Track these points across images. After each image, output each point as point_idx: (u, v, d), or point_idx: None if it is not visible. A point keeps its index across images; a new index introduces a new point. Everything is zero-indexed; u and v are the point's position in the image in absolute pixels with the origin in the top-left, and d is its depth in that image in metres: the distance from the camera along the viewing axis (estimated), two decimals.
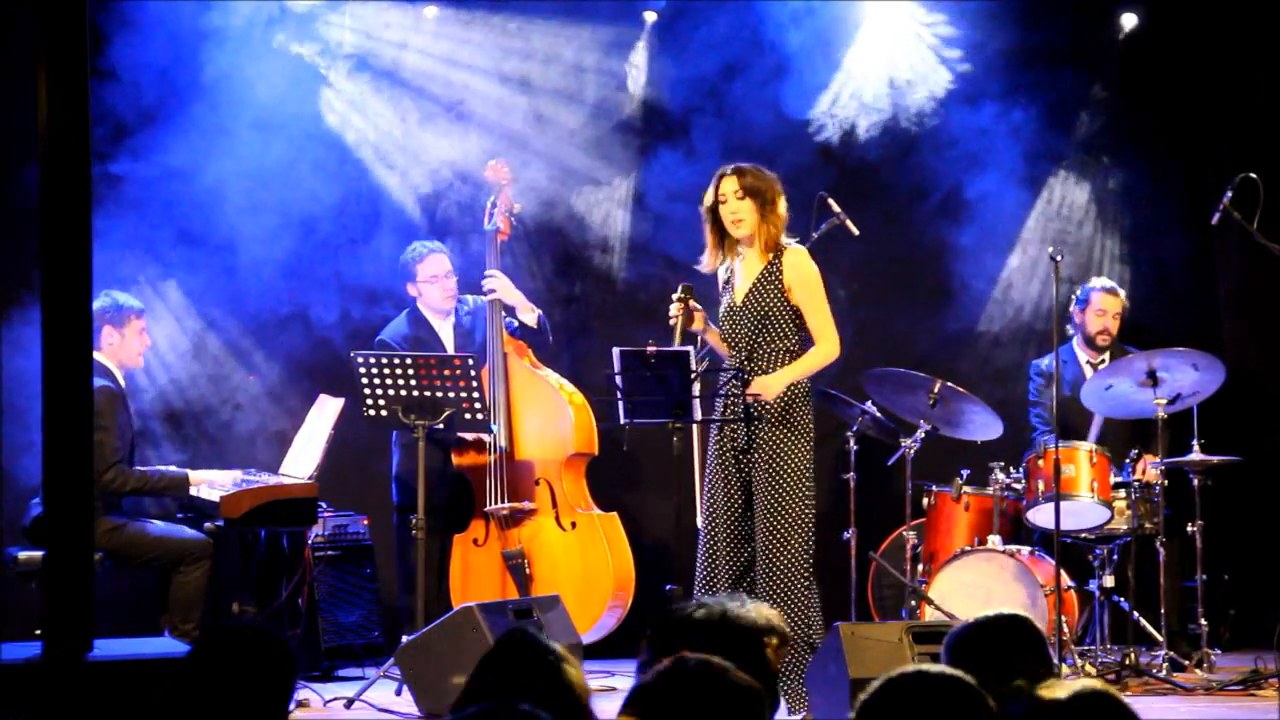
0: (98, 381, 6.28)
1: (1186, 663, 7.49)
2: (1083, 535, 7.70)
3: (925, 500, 7.94)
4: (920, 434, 7.76)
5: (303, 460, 7.60)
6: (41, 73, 4.81)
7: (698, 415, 6.84)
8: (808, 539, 6.38)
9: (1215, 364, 7.44)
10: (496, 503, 7.65)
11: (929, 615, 7.36)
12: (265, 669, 3.28)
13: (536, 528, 7.67)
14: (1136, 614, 7.72)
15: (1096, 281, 8.29)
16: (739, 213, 6.49)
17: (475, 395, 7.09)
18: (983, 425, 7.86)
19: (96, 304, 7.32)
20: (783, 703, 6.23)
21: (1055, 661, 6.21)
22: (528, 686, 3.07)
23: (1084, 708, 2.82)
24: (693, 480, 7.68)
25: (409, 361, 7.11)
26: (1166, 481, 7.59)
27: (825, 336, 6.47)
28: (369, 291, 8.35)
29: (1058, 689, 2.87)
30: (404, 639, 6.79)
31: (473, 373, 7.11)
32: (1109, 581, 7.67)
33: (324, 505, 7.81)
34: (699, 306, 6.57)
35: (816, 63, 8.72)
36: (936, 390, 7.69)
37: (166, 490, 7.27)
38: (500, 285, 7.76)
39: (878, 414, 7.88)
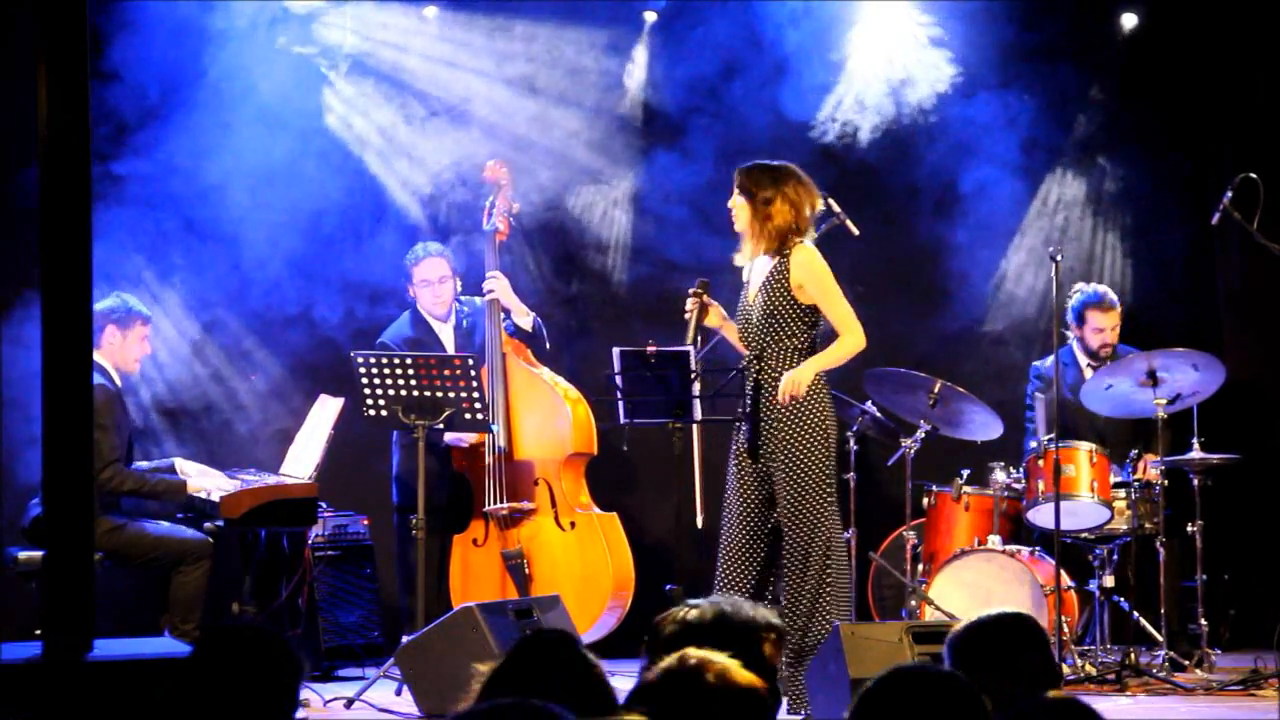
0: (95, 379, 6.27)
1: (1186, 663, 7.49)
2: (1083, 535, 7.70)
3: (925, 500, 7.94)
4: (920, 434, 7.76)
5: (303, 460, 7.60)
6: (41, 73, 4.81)
7: (698, 415, 6.84)
8: (831, 532, 6.32)
9: (1215, 364, 7.44)
10: (496, 503, 7.65)
11: (929, 615, 7.36)
12: (269, 670, 3.27)
13: (536, 528, 7.68)
14: (1136, 614, 7.72)
15: (1089, 295, 8.09)
16: (735, 210, 6.54)
17: (475, 395, 7.09)
18: (983, 425, 7.86)
19: (106, 303, 7.34)
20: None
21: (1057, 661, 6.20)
22: (557, 684, 3.07)
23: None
24: (693, 480, 7.67)
25: (409, 362, 7.11)
26: (1166, 481, 7.59)
27: (848, 328, 6.42)
28: (372, 292, 8.35)
29: None
30: (404, 639, 6.79)
31: (473, 373, 7.11)
32: (1109, 581, 7.66)
33: (324, 505, 7.81)
34: (714, 302, 6.56)
35: (816, 63, 8.72)
36: (936, 390, 7.69)
37: (163, 495, 7.26)
38: (500, 287, 7.77)
39: (878, 414, 7.88)
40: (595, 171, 8.83)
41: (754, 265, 6.55)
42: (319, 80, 8.48)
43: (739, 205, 6.51)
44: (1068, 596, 7.45)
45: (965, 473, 7.89)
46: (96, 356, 7.08)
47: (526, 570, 7.61)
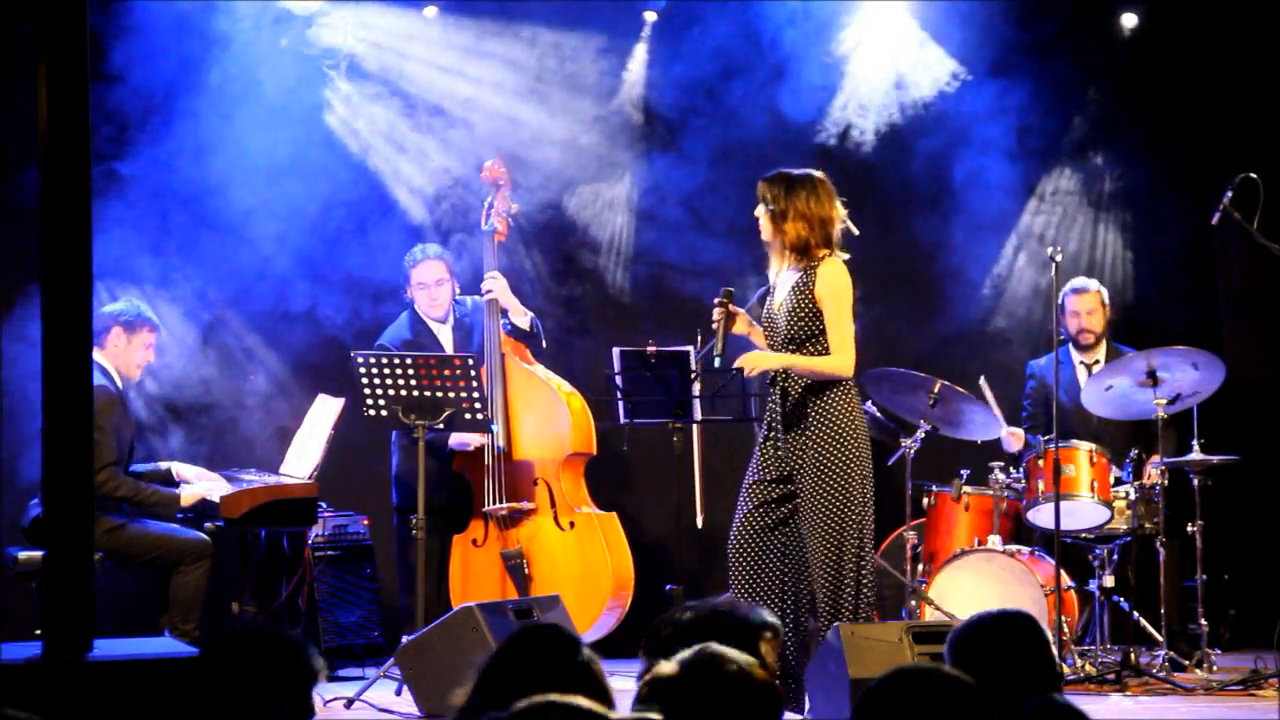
0: (96, 380, 6.28)
1: (1186, 663, 7.49)
2: (1083, 535, 7.70)
3: (925, 500, 7.94)
4: (920, 434, 7.76)
5: (303, 460, 7.61)
6: (41, 73, 4.81)
7: (698, 415, 6.85)
8: (859, 543, 6.19)
9: (1215, 364, 7.44)
10: (495, 503, 7.65)
11: (929, 615, 7.36)
12: (282, 673, 3.26)
13: (535, 528, 7.68)
14: (1136, 614, 7.72)
15: (1069, 284, 8.22)
16: (759, 219, 6.44)
17: (475, 395, 7.09)
18: (983, 425, 7.86)
19: (116, 306, 7.35)
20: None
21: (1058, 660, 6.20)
22: (551, 676, 3.07)
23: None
24: (693, 480, 7.69)
25: (409, 362, 7.11)
26: (1166, 481, 7.59)
27: (839, 349, 6.27)
28: (375, 291, 8.36)
29: None
30: (404, 639, 6.79)
31: (473, 373, 7.11)
32: (1109, 581, 7.67)
33: (324, 505, 7.81)
34: (740, 309, 6.49)
35: (814, 63, 8.72)
36: (936, 390, 7.69)
37: (155, 507, 7.20)
38: (498, 287, 7.77)
39: (878, 414, 7.89)
40: (594, 172, 8.83)
41: (781, 274, 6.43)
42: (321, 81, 8.49)
43: (761, 215, 6.43)
44: (1068, 596, 7.45)
45: (965, 473, 7.89)
46: (99, 357, 7.09)
47: (526, 570, 7.61)
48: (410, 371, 7.07)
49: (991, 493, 7.79)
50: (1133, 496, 7.59)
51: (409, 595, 7.45)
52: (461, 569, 7.71)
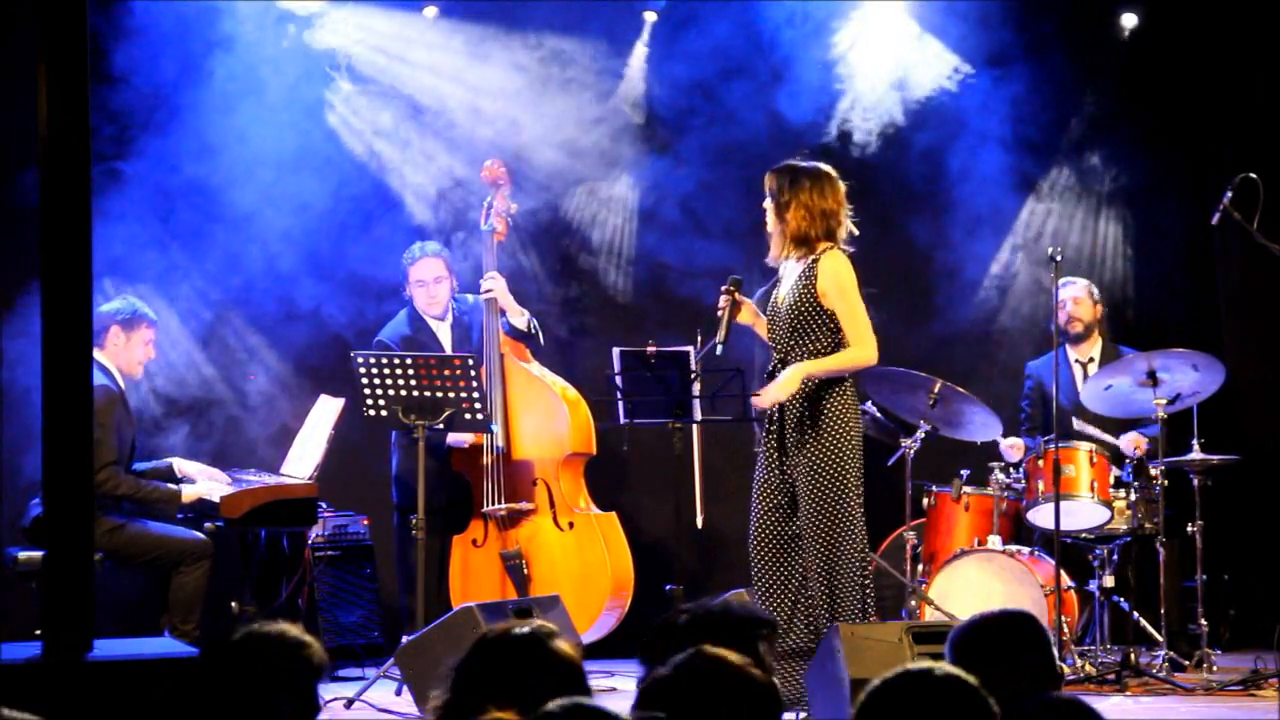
0: (96, 380, 6.28)
1: (1186, 663, 7.49)
2: (1083, 535, 7.71)
3: (925, 500, 7.94)
4: (920, 434, 7.76)
5: (303, 460, 7.61)
6: (42, 74, 4.82)
7: (698, 415, 6.84)
8: (857, 539, 6.24)
9: (1215, 364, 7.44)
10: (494, 504, 7.65)
11: (929, 615, 7.36)
12: (286, 670, 3.26)
13: (534, 528, 7.67)
14: (1136, 614, 7.72)
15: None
16: (766, 212, 6.46)
17: (475, 395, 7.09)
18: (983, 425, 7.86)
19: (113, 305, 7.35)
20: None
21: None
22: (520, 673, 3.07)
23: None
24: (693, 480, 7.68)
25: (409, 362, 7.11)
26: (1166, 482, 7.59)
27: (858, 340, 6.29)
28: (378, 290, 8.36)
29: None
30: (404, 639, 6.78)
31: (473, 373, 7.11)
32: (1109, 581, 7.67)
33: (324, 505, 7.81)
34: (746, 299, 6.51)
35: (814, 64, 8.72)
36: (936, 390, 7.69)
37: (157, 504, 7.23)
38: (497, 287, 7.77)
39: (878, 414, 7.89)
40: (594, 172, 8.83)
41: (786, 266, 6.44)
42: (323, 81, 8.49)
43: (767, 207, 6.45)
44: (1068, 596, 7.45)
45: (965, 473, 7.89)
46: (99, 357, 7.09)
47: (525, 571, 7.61)
48: (410, 371, 7.07)
49: (991, 493, 7.79)
50: (1133, 496, 7.60)
51: (409, 595, 7.45)
52: (461, 569, 7.71)
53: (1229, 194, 7.42)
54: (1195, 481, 7.57)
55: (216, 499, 7.22)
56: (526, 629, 3.22)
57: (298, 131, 8.29)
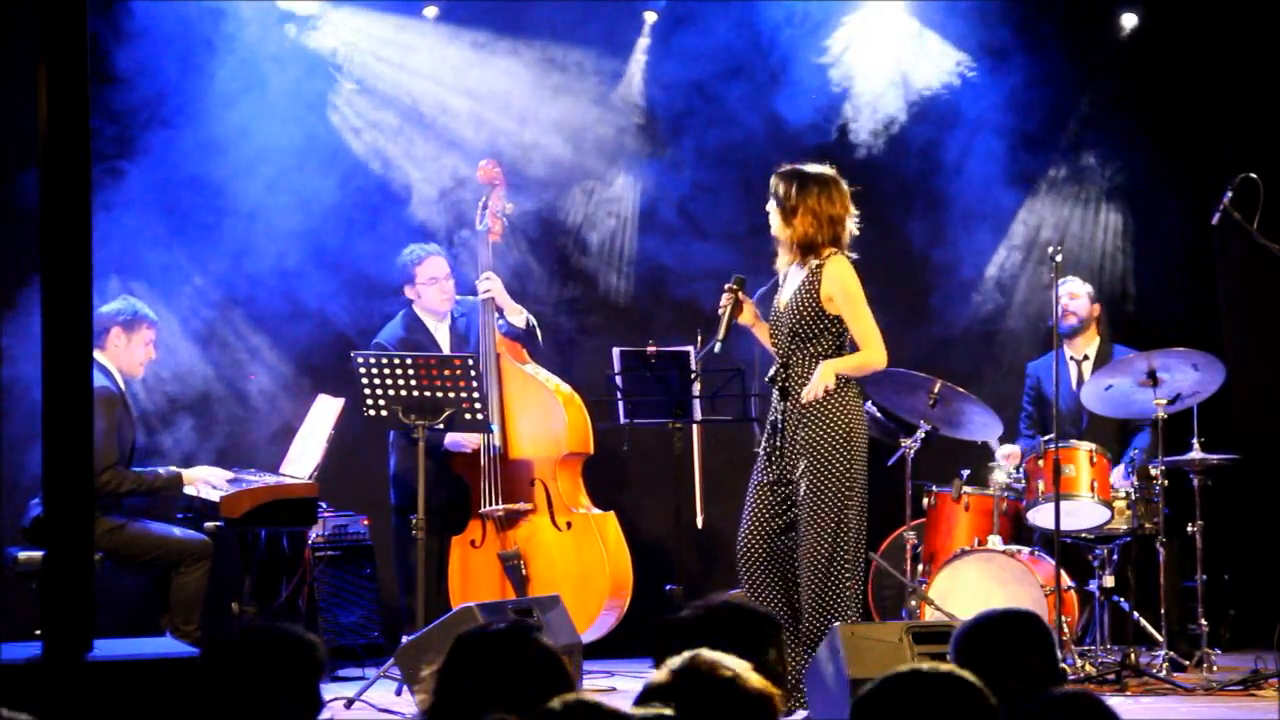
0: (97, 381, 6.28)
1: (1186, 663, 7.49)
2: (1083, 535, 7.71)
3: (925, 500, 7.94)
4: (920, 434, 7.76)
5: (303, 460, 7.61)
6: (42, 74, 4.82)
7: (698, 415, 6.85)
8: (852, 543, 6.22)
9: (1215, 364, 7.44)
10: (492, 504, 7.65)
11: (929, 615, 7.36)
12: (289, 669, 3.26)
13: (533, 528, 7.67)
14: (1136, 614, 7.72)
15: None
16: (770, 215, 6.43)
17: (475, 395, 7.09)
18: (983, 425, 7.86)
19: (113, 306, 7.35)
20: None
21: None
22: (502, 670, 3.07)
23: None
24: (693, 480, 7.68)
25: (409, 362, 7.11)
26: (1166, 482, 7.59)
27: (868, 344, 6.29)
28: (379, 290, 8.36)
29: None
30: (404, 639, 6.79)
31: (473, 373, 7.11)
32: (1109, 581, 7.67)
33: (324, 505, 7.81)
34: (748, 298, 6.50)
35: (813, 64, 8.72)
36: (936, 390, 7.69)
37: (162, 490, 7.29)
38: (494, 287, 7.77)
39: (878, 414, 7.89)
40: (593, 172, 8.83)
41: (789, 271, 6.42)
42: (324, 81, 8.50)
43: (771, 210, 6.42)
44: (1068, 596, 7.45)
45: (965, 473, 7.90)
46: (100, 358, 7.10)
47: (524, 571, 7.60)
48: (410, 371, 7.07)
49: (991, 493, 7.79)
50: (1133, 496, 7.60)
51: (409, 595, 7.45)
52: (461, 570, 7.71)
53: (1229, 194, 7.42)
54: (1195, 481, 7.57)
55: (216, 498, 7.22)
56: (504, 624, 3.23)
57: (299, 131, 8.30)
